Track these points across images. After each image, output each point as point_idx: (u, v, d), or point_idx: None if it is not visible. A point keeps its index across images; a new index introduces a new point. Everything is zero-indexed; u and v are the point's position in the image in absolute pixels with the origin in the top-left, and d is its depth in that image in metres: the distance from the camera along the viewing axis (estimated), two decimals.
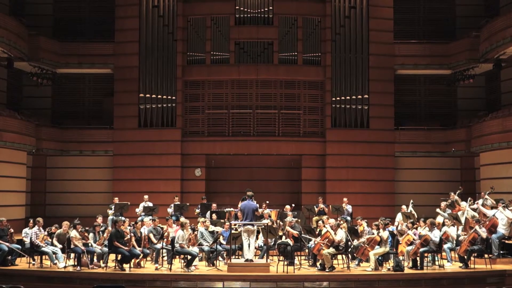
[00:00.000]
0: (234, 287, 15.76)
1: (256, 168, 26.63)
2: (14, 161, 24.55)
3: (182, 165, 26.34)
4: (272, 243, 18.20)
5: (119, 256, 16.75)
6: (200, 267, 17.34)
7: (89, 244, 17.12)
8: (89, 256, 16.88)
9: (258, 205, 17.62)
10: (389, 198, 26.14)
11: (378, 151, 26.38)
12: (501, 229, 18.14)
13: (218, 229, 18.35)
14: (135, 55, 26.61)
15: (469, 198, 20.31)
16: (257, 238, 17.47)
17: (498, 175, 23.83)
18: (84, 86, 29.00)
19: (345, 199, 22.70)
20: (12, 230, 17.69)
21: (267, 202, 21.38)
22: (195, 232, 18.06)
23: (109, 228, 18.79)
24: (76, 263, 16.92)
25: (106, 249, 17.25)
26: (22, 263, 17.63)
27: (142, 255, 17.29)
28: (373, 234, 17.34)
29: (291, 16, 26.75)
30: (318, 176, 26.41)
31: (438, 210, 20.19)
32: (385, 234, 17.03)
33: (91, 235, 17.62)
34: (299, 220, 19.50)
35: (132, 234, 16.92)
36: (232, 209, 21.13)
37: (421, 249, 16.96)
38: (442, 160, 27.60)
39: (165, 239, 17.52)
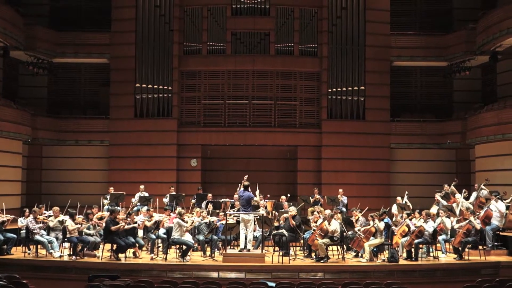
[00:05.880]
0: (229, 277, 15.80)
1: (252, 159, 26.62)
2: (9, 151, 24.50)
3: (178, 155, 26.34)
4: (268, 234, 18.24)
5: (115, 246, 16.81)
6: (196, 257, 17.39)
7: (82, 233, 17.21)
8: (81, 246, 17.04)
9: (252, 194, 17.57)
10: (385, 189, 26.18)
11: (374, 143, 26.41)
12: (495, 221, 18.25)
13: (214, 219, 18.38)
14: (132, 45, 26.55)
15: (463, 190, 20.42)
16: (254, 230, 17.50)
17: (493, 167, 23.87)
18: (80, 76, 28.94)
19: (340, 190, 22.73)
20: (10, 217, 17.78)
21: (268, 196, 21.43)
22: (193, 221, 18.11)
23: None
24: (71, 253, 16.98)
25: (99, 239, 17.42)
26: (17, 252, 17.67)
27: (137, 245, 17.41)
28: (368, 225, 17.41)
29: (287, 7, 26.69)
30: (313, 167, 26.45)
31: (435, 204, 20.30)
32: (381, 225, 17.07)
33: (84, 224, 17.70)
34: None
35: (122, 225, 16.94)
36: (228, 199, 21.17)
37: (416, 241, 17.04)
38: (437, 152, 27.65)
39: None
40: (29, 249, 17.65)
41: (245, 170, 22.97)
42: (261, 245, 17.34)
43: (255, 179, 20.27)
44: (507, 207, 18.74)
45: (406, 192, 21.58)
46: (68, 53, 27.05)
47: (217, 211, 19.64)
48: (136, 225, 17.63)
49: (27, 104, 26.44)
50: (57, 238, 17.32)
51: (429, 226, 17.16)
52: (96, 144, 27.22)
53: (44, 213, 18.56)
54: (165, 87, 26.32)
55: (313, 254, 17.46)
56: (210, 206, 20.02)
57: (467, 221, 17.37)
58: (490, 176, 21.73)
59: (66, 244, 17.49)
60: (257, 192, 18.17)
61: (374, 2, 26.88)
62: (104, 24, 27.20)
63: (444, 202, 20.10)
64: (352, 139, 26.28)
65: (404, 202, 20.87)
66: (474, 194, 20.34)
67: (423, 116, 27.81)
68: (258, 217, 17.49)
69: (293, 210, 17.75)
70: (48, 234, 17.42)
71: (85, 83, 28.97)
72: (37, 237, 17.11)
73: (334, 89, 26.39)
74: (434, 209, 19.50)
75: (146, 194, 22.15)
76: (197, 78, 26.92)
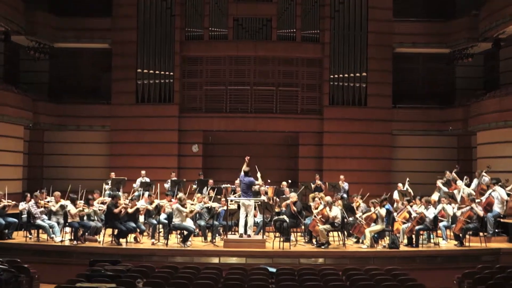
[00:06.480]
0: (230, 262, 15.83)
1: (253, 145, 26.48)
2: (11, 135, 24.49)
3: (179, 141, 26.33)
4: (269, 220, 18.26)
5: (116, 231, 16.84)
6: (197, 243, 17.42)
7: (84, 218, 17.29)
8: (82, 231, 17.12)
9: (253, 179, 17.44)
10: (386, 176, 26.16)
11: (376, 129, 26.36)
12: (497, 208, 18.26)
13: (215, 205, 18.39)
14: (133, 30, 26.45)
15: (465, 177, 20.42)
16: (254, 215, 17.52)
17: (494, 154, 23.83)
18: (81, 61, 28.74)
19: (341, 177, 22.70)
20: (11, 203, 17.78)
21: (269, 181, 21.38)
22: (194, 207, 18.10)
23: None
24: (72, 237, 17.02)
25: (100, 224, 17.49)
26: (18, 237, 17.71)
27: (139, 230, 17.47)
28: (369, 211, 17.42)
29: None
30: (315, 153, 26.44)
31: (436, 191, 20.30)
32: (382, 211, 17.07)
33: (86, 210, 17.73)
34: None
35: (124, 206, 16.97)
36: (229, 185, 21.17)
37: (417, 227, 17.06)
38: (439, 138, 27.60)
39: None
40: (31, 234, 17.71)
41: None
42: (262, 230, 17.38)
43: (256, 164, 20.25)
44: (509, 194, 18.75)
45: (408, 179, 21.57)
46: (69, 38, 26.93)
47: (218, 196, 19.64)
48: (139, 206, 17.65)
49: (28, 89, 26.37)
50: (58, 223, 17.36)
51: (430, 213, 17.18)
52: (97, 129, 27.19)
53: (46, 198, 18.56)
54: (167, 73, 26.24)
55: (314, 240, 17.49)
56: (212, 192, 19.99)
57: (468, 207, 17.36)
58: (492, 163, 21.71)
59: (68, 229, 17.57)
60: (258, 175, 18.09)
61: None
62: (105, 9, 27.04)
63: (445, 189, 20.11)
64: (354, 125, 26.24)
65: (405, 188, 20.89)
66: (475, 181, 20.33)
67: (425, 103, 27.70)
68: (259, 202, 17.51)
69: (294, 196, 17.75)
70: (49, 219, 17.46)
71: (87, 68, 28.74)
72: (39, 221, 17.16)
73: (336, 76, 26.31)
74: (435, 196, 19.51)
75: (147, 180, 22.17)
76: (199, 64, 26.87)
